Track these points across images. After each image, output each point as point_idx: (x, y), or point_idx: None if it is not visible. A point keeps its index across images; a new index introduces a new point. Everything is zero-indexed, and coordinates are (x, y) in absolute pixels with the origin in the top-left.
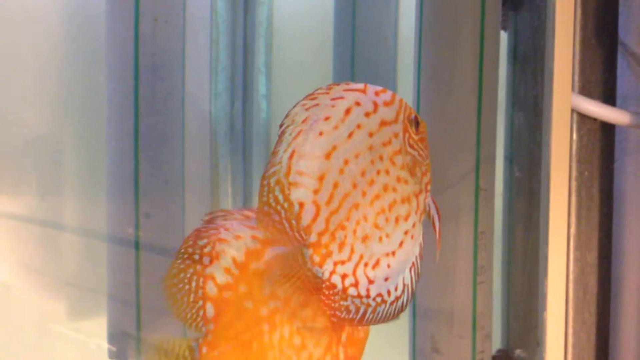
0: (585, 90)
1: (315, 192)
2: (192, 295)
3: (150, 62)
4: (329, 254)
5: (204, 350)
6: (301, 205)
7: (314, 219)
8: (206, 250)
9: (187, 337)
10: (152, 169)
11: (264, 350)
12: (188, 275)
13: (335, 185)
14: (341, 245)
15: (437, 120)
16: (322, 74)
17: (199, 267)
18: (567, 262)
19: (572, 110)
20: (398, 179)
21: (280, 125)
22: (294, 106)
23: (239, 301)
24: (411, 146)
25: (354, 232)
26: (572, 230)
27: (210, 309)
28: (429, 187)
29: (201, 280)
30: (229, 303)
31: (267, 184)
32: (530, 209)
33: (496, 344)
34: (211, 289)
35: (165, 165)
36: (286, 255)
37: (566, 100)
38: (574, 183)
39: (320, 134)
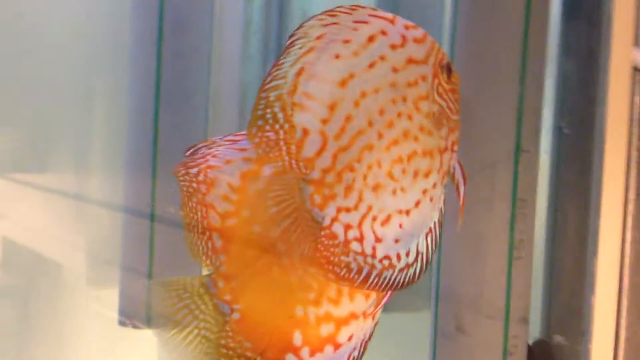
0: None
1: (324, 121)
2: (199, 226)
3: (175, 13)
4: (332, 197)
5: (220, 284)
6: (305, 132)
7: (319, 152)
8: (200, 178)
9: (199, 275)
10: (173, 129)
11: (286, 272)
12: (193, 205)
13: (348, 119)
14: (348, 190)
15: (474, 68)
16: None
17: (199, 196)
18: (621, 244)
19: (635, 69)
20: (421, 128)
21: (291, 36)
22: (310, 19)
23: (245, 227)
24: (440, 95)
25: (364, 177)
26: (631, 207)
27: (217, 240)
28: (455, 147)
29: (204, 209)
30: (234, 231)
31: (266, 97)
32: (581, 176)
33: (535, 331)
34: (214, 218)
35: (186, 125)
36: (281, 184)
37: (626, 55)
38: (634, 154)
39: (337, 57)
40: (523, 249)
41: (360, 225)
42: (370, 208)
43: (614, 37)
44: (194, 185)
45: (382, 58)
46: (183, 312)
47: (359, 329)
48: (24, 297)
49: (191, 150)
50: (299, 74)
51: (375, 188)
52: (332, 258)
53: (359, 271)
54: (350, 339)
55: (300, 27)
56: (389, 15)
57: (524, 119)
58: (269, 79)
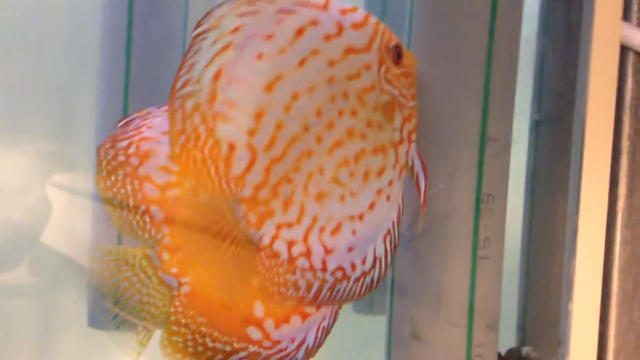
0: None
1: (251, 132)
2: (130, 200)
3: (147, 1)
4: (269, 214)
5: (165, 256)
6: (231, 146)
7: (249, 167)
8: (130, 151)
9: (141, 246)
10: None
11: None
12: (119, 179)
13: (279, 126)
14: (287, 203)
15: (434, 47)
16: None
17: (128, 169)
18: (608, 245)
19: (628, 49)
20: (369, 123)
21: (198, 25)
22: (219, 6)
23: (189, 197)
24: (389, 82)
25: (305, 187)
26: (622, 203)
27: (157, 212)
28: (413, 137)
29: (136, 182)
30: (177, 202)
31: (181, 106)
32: (561, 168)
33: (510, 340)
34: (151, 190)
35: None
36: (210, 208)
37: (612, 31)
38: (626, 143)
39: (260, 56)
40: (490, 248)
41: (305, 239)
42: (315, 219)
43: (597, 9)
44: (120, 158)
45: (314, 53)
46: (123, 285)
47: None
48: (48, 297)
49: (124, 121)
50: (216, 77)
51: (320, 197)
52: (276, 279)
53: (309, 288)
54: (319, 307)
55: (209, 14)
56: (321, 1)
57: (492, 105)
58: (179, 83)
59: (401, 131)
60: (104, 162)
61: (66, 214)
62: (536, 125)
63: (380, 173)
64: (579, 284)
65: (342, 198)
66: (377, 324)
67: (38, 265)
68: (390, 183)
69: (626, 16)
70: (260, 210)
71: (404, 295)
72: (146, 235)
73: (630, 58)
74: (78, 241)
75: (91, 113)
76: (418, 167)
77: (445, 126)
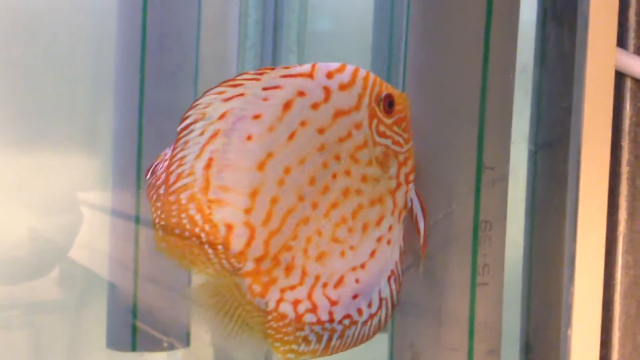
0: None
1: (247, 211)
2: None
3: (158, 32)
4: (272, 281)
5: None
6: (229, 227)
7: (248, 243)
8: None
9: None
10: (157, 145)
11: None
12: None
13: (274, 201)
14: (289, 269)
15: (430, 76)
16: (360, 55)
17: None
18: (609, 270)
19: (625, 76)
20: (364, 179)
21: (184, 119)
22: (203, 95)
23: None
24: (382, 134)
25: (305, 251)
26: (622, 228)
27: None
28: (411, 178)
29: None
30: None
31: (177, 200)
32: (559, 195)
33: None
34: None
35: (171, 141)
36: (217, 288)
37: (606, 56)
38: (625, 169)
39: (249, 138)
40: (489, 275)
41: (310, 296)
42: (317, 277)
43: (591, 36)
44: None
45: (303, 124)
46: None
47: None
48: (76, 313)
49: (149, 172)
50: (207, 166)
51: (320, 257)
52: (286, 337)
53: (319, 340)
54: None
55: (193, 106)
56: (306, 69)
57: (488, 134)
58: (172, 177)
59: (397, 177)
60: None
61: (89, 230)
62: (534, 153)
63: (379, 222)
64: (578, 310)
65: (343, 254)
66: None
67: (67, 281)
68: (390, 228)
69: (622, 43)
70: (263, 280)
71: (405, 320)
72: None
73: (628, 84)
74: (99, 257)
75: (109, 132)
76: (417, 209)
77: (442, 155)
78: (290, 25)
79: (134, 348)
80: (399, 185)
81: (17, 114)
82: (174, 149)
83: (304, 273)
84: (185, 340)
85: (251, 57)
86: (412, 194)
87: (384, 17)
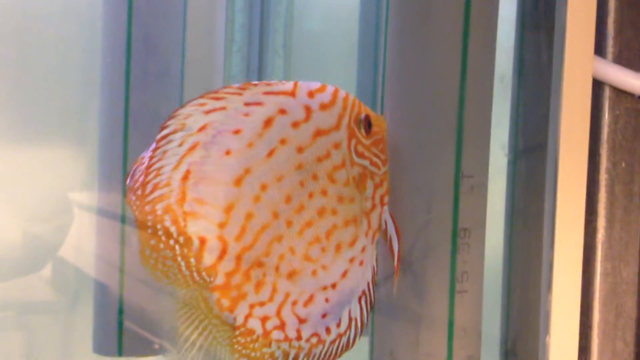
0: (623, 58)
1: (221, 225)
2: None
3: (143, 35)
4: (242, 296)
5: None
6: (202, 240)
7: (220, 257)
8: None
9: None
10: (143, 148)
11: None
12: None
13: (249, 217)
14: (259, 285)
15: (408, 85)
16: (347, 58)
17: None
18: (586, 275)
19: (604, 84)
20: (340, 199)
21: (163, 127)
22: (185, 105)
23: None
24: (360, 155)
25: (277, 268)
26: (601, 235)
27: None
28: (385, 199)
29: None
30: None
31: (152, 210)
32: (536, 203)
33: None
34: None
35: None
36: (183, 302)
37: (584, 65)
38: (604, 176)
39: (228, 153)
40: (467, 282)
41: (278, 313)
42: (287, 295)
43: (568, 45)
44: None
45: (283, 142)
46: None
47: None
48: (68, 315)
49: (129, 178)
50: (185, 178)
51: (291, 275)
52: (253, 354)
53: (286, 357)
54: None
55: (172, 116)
56: (288, 86)
57: (467, 142)
58: (149, 187)
59: (373, 198)
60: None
61: (81, 231)
62: (513, 161)
63: (352, 243)
64: (556, 317)
65: (314, 273)
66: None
67: (60, 283)
68: (363, 249)
69: (600, 51)
70: (232, 295)
71: (384, 327)
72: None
73: (606, 92)
74: (90, 258)
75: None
76: (391, 231)
77: (420, 163)
78: (276, 28)
79: (120, 353)
80: (373, 206)
81: (6, 115)
82: (151, 158)
83: (274, 290)
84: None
85: (237, 60)
86: (387, 216)
87: (370, 17)
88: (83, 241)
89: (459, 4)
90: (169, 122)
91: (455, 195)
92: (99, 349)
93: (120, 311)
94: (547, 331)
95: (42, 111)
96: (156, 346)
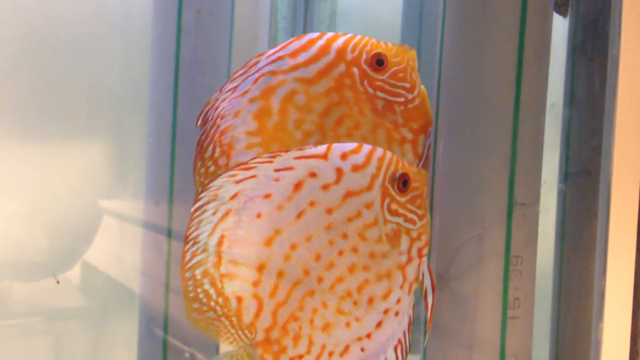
0: None
1: (255, 283)
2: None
3: (191, 56)
4: (282, 350)
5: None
6: (239, 299)
7: (257, 314)
8: (217, 154)
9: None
10: (188, 168)
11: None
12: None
13: (280, 275)
14: (296, 339)
15: (463, 115)
16: (392, 27)
17: (220, 172)
18: (636, 302)
19: None
20: (372, 255)
21: (196, 201)
22: (217, 178)
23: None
24: (393, 212)
25: (311, 321)
26: None
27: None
28: (424, 252)
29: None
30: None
31: (192, 276)
32: (587, 231)
33: None
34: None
35: None
36: (233, 358)
37: (637, 93)
38: None
39: (258, 216)
40: (519, 309)
41: None
42: (324, 347)
43: (621, 75)
44: (210, 169)
45: (312, 204)
46: None
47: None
48: (98, 320)
49: (201, 120)
50: (220, 243)
51: (325, 328)
52: None
53: None
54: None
55: (208, 187)
56: (321, 150)
57: (519, 171)
58: (188, 256)
59: (409, 252)
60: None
61: (116, 239)
62: (564, 189)
63: (386, 296)
64: (607, 346)
65: (348, 325)
66: None
67: (89, 288)
68: (399, 301)
69: None
70: (274, 350)
71: (437, 352)
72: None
73: None
74: (127, 267)
75: (142, 144)
76: (427, 283)
77: (474, 191)
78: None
79: None
80: (410, 259)
81: (49, 123)
82: (188, 228)
83: (310, 342)
84: (216, 354)
85: None
86: (424, 267)
87: None
88: (116, 247)
89: (513, 34)
90: (203, 195)
91: (508, 223)
92: (143, 357)
93: (165, 323)
94: (598, 359)
95: (85, 121)
96: (187, 354)
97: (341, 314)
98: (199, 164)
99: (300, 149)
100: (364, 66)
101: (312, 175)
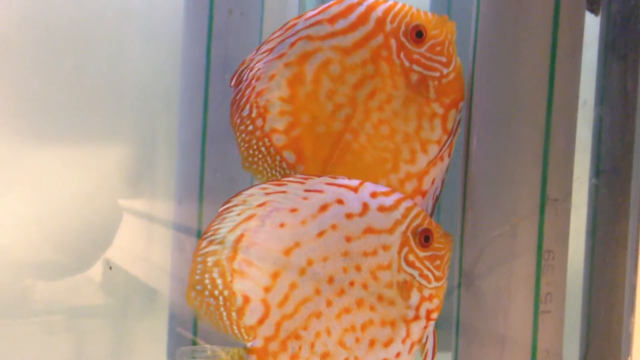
0: None
1: (267, 289)
2: (268, 155)
3: (222, 56)
4: None
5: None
6: (246, 299)
7: (261, 320)
8: (253, 114)
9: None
10: (218, 165)
11: (360, 155)
12: (255, 143)
13: (293, 286)
14: (294, 358)
15: (496, 110)
16: None
17: (258, 133)
18: None
19: None
20: (380, 298)
21: (226, 202)
22: (249, 187)
23: (311, 130)
24: (410, 264)
25: (312, 345)
26: None
27: (289, 156)
28: (433, 316)
29: (266, 139)
30: (301, 139)
31: (203, 261)
32: (618, 227)
33: None
34: (279, 139)
35: (231, 162)
36: (222, 354)
37: None
38: None
39: (282, 225)
40: (551, 303)
41: None
42: None
43: None
44: (249, 127)
45: (334, 227)
46: None
47: (438, 171)
48: (119, 318)
49: (236, 79)
50: (238, 240)
51: (324, 357)
52: None
53: None
54: (433, 182)
55: (237, 194)
56: (354, 183)
57: (552, 167)
58: (204, 243)
59: (417, 309)
60: (242, 136)
61: (141, 238)
62: (595, 185)
63: (387, 344)
64: (638, 340)
65: None
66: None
67: (111, 287)
68: (398, 355)
69: None
70: None
71: (468, 347)
72: (278, 172)
73: None
74: (153, 267)
75: (172, 145)
76: (429, 346)
77: (507, 186)
78: None
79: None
80: (416, 317)
81: (76, 123)
82: (211, 223)
83: None
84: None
85: None
86: (430, 332)
87: None
88: (136, 245)
89: (546, 32)
90: (233, 199)
91: (541, 218)
92: (172, 354)
93: (195, 324)
94: (628, 353)
95: (114, 121)
96: (209, 352)
97: (342, 347)
98: (238, 121)
99: (333, 177)
100: (402, 38)
101: (339, 202)
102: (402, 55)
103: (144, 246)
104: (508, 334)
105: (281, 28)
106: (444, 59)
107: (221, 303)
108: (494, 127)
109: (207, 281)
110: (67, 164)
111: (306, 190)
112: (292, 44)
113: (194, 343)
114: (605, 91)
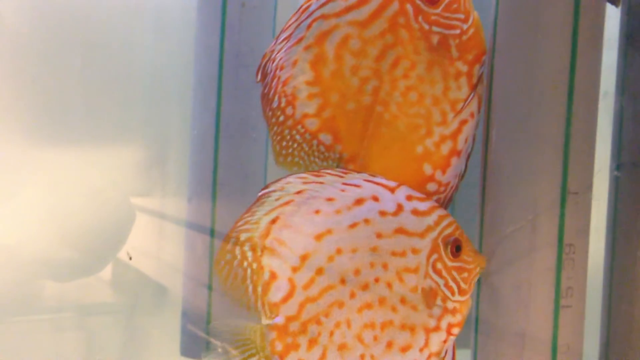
0: None
1: (294, 269)
2: (304, 142)
3: (236, 49)
4: (294, 346)
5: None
6: (273, 275)
7: (285, 298)
8: (283, 104)
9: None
10: (231, 161)
11: (393, 124)
12: (287, 134)
13: (319, 271)
14: (312, 343)
15: (516, 103)
16: None
17: (290, 122)
18: None
19: None
20: (403, 300)
21: (265, 187)
22: (287, 175)
23: (341, 108)
24: (437, 271)
25: (331, 333)
26: None
27: (325, 138)
28: (454, 331)
29: (299, 126)
30: (334, 119)
31: (236, 236)
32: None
33: None
34: (312, 123)
35: (245, 158)
36: (245, 329)
37: None
38: None
39: (317, 212)
40: (572, 297)
41: None
42: None
43: None
44: (280, 118)
45: (366, 222)
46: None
47: (469, 129)
48: (131, 316)
49: (261, 74)
50: (273, 221)
51: (341, 348)
52: None
53: None
54: (466, 141)
55: (276, 181)
56: (392, 184)
57: (572, 159)
58: (241, 222)
59: (439, 320)
60: (274, 128)
61: (154, 236)
62: (616, 177)
63: (404, 349)
64: None
65: (362, 357)
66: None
67: (122, 285)
68: None
69: None
70: (287, 341)
71: (487, 342)
72: (328, 155)
73: None
74: (163, 264)
75: (185, 142)
76: (449, 358)
77: (527, 179)
78: None
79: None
80: (437, 328)
81: (88, 121)
82: (252, 205)
83: (323, 355)
84: None
85: None
86: (449, 347)
87: None
88: (148, 243)
89: (567, 23)
90: (271, 185)
91: (561, 212)
92: (185, 352)
93: (208, 320)
94: None
95: (126, 116)
96: (219, 349)
97: (360, 342)
98: (270, 114)
99: (372, 175)
100: (418, 1)
101: (375, 198)
102: (420, 19)
103: (156, 244)
104: (528, 329)
105: (295, 13)
106: (461, 16)
107: (248, 275)
108: (514, 119)
109: (237, 252)
110: (80, 162)
111: (344, 184)
112: (309, 26)
113: (207, 341)
114: (626, 82)
